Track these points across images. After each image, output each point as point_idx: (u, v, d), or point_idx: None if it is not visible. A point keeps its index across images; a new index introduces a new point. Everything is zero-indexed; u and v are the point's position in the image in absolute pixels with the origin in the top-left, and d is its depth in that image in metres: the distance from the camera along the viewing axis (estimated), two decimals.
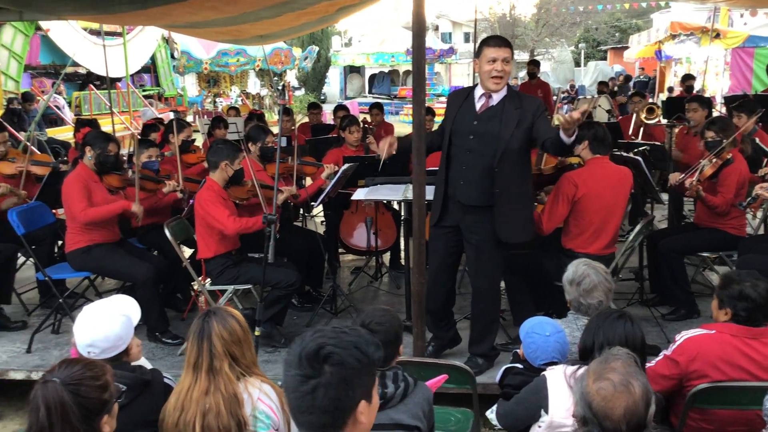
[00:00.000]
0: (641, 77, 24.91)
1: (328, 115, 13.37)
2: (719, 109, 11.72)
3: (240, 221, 4.82)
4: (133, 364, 2.79)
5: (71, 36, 15.37)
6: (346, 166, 5.55)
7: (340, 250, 6.85)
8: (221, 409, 2.52)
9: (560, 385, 2.77)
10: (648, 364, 3.04)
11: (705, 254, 5.59)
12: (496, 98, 4.20)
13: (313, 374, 1.63)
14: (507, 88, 4.23)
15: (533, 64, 12.51)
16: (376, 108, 8.74)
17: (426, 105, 3.99)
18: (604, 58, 40.32)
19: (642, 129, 7.94)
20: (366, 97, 30.67)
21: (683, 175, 5.22)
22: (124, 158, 5.83)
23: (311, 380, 1.63)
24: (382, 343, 2.58)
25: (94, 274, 5.46)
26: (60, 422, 2.08)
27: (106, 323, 2.69)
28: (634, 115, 8.30)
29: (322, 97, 32.57)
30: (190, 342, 2.64)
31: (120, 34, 15.00)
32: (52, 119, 15.17)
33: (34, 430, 2.09)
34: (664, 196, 6.39)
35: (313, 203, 5.93)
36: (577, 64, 39.99)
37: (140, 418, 2.61)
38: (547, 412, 2.77)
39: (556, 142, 3.95)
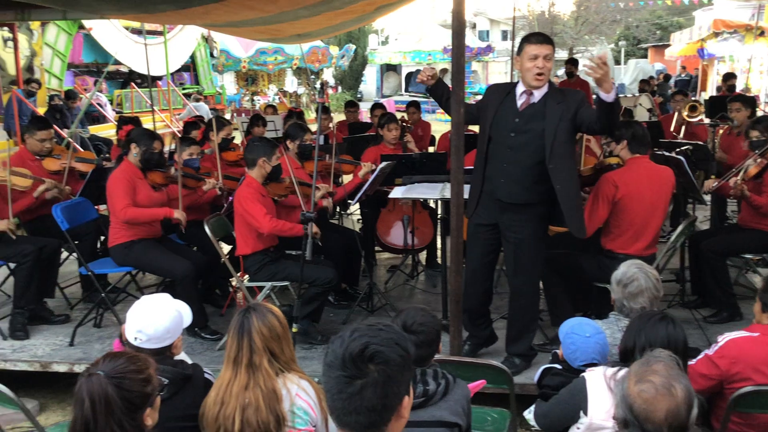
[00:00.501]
0: (682, 76, 24.52)
1: (364, 114, 13.39)
2: (763, 108, 11.50)
3: (276, 222, 4.85)
4: (174, 358, 2.83)
5: (113, 35, 15.61)
6: (383, 164, 5.57)
7: (377, 248, 6.87)
8: (260, 404, 2.55)
9: (600, 387, 2.74)
10: (689, 363, 3.00)
11: (748, 256, 5.49)
12: (538, 95, 4.16)
13: (359, 374, 1.60)
14: (549, 85, 4.19)
15: (571, 63, 12.38)
16: (413, 106, 8.71)
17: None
18: (645, 56, 39.66)
19: (684, 128, 7.82)
20: (402, 95, 30.64)
21: (717, 182, 5.17)
22: (166, 155, 5.91)
23: (357, 381, 1.60)
24: (424, 342, 2.61)
25: (136, 269, 5.54)
26: (104, 415, 2.11)
27: (160, 314, 2.76)
28: (676, 114, 8.17)
29: (359, 96, 32.56)
30: (230, 337, 2.67)
31: (161, 33, 15.20)
32: (95, 117, 15.44)
33: (78, 422, 2.13)
34: (707, 197, 6.29)
35: (350, 201, 5.95)
36: (617, 62, 39.41)
37: (181, 411, 2.65)
38: (586, 413, 2.75)
39: (599, 109, 3.93)
